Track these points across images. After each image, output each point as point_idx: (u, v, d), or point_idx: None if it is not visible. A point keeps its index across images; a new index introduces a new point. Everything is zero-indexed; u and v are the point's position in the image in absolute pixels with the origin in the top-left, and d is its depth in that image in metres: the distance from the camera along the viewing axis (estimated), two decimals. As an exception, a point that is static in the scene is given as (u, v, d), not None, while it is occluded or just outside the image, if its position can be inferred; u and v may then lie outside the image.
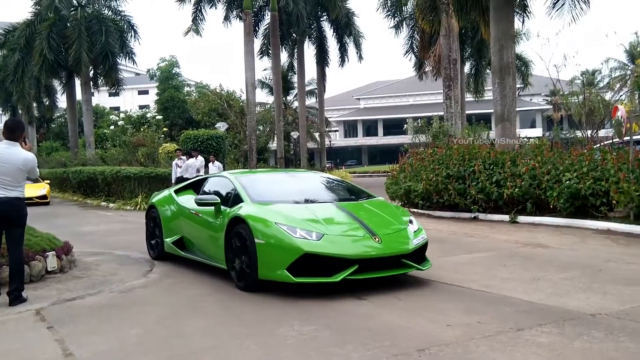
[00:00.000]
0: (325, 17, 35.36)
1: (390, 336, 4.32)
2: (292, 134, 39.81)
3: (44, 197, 20.87)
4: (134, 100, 79.44)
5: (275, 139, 31.93)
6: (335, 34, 35.34)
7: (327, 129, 51.25)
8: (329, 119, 60.96)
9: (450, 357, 3.84)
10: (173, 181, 16.58)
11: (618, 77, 56.21)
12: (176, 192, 8.19)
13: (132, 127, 32.52)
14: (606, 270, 6.49)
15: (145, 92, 79.13)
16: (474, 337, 4.22)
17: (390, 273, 5.84)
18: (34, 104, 42.76)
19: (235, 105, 36.04)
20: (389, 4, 28.06)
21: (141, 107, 68.86)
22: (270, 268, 5.68)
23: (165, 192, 8.54)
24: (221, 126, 26.07)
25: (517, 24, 19.92)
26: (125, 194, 19.62)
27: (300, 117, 35.39)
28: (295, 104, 40.15)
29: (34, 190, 19.95)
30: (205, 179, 8.09)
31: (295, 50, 35.47)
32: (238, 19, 29.48)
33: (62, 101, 42.32)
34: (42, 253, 7.04)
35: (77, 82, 33.00)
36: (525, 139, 32.62)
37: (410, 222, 6.45)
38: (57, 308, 5.66)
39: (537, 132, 59.53)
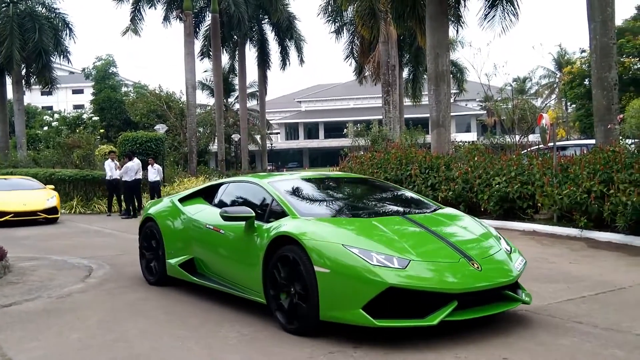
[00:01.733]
0: (266, 20, 35.46)
1: (336, 331, 4.52)
2: (233, 136, 39.65)
3: (54, 210, 14.68)
4: (68, 99, 76.82)
5: (216, 141, 31.76)
6: (276, 37, 35.51)
7: (269, 132, 51.30)
8: (271, 122, 60.99)
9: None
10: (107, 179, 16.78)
11: (547, 85, 59.02)
12: (181, 201, 6.65)
13: (67, 128, 31.54)
14: (529, 270, 6.93)
15: (80, 92, 76.68)
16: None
17: (496, 310, 4.51)
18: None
19: (175, 107, 35.57)
20: (329, 10, 28.45)
21: (76, 106, 66.74)
22: (338, 306, 4.28)
23: (166, 201, 6.92)
24: (160, 128, 25.71)
25: (453, 32, 20.67)
26: (60, 197, 19.06)
27: (241, 120, 35.34)
28: (237, 106, 40.04)
29: (37, 201, 14.57)
30: (221, 184, 6.53)
31: (237, 52, 35.43)
32: (178, 19, 29.13)
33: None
34: (-25, 259, 6.85)
35: (8, 81, 31.73)
36: (461, 143, 33.84)
37: (499, 238, 5.18)
38: (-7, 315, 5.56)
39: (472, 136, 61.55)
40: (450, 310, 4.19)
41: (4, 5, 29.67)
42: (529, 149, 13.91)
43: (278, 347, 4.29)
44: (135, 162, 16.47)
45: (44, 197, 14.85)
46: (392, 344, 4.22)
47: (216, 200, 6.24)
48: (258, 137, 41.61)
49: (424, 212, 5.51)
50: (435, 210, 5.66)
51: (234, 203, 5.99)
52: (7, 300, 6.06)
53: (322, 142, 71.37)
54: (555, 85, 56.09)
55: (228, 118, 40.16)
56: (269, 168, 42.73)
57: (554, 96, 54.78)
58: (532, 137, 27.92)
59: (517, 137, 18.53)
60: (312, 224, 4.82)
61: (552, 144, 10.93)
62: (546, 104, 45.07)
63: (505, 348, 4.10)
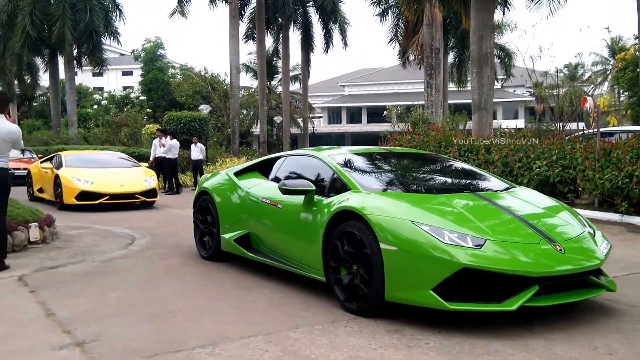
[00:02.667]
0: (311, 3, 35.43)
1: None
2: (275, 118, 39.92)
3: (153, 192, 12.76)
4: (117, 80, 78.69)
5: (259, 123, 32.08)
6: (320, 19, 35.46)
7: (311, 115, 51.43)
8: (313, 105, 61.09)
9: (407, 320, 4.15)
10: (151, 159, 16.75)
11: (599, 72, 57.08)
12: (237, 174, 6.42)
13: (116, 107, 32.40)
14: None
15: (130, 73, 78.39)
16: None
17: (580, 297, 4.20)
18: (15, 82, 42.34)
19: (219, 89, 36.05)
20: (375, -8, 28.21)
21: (125, 87, 68.26)
22: (406, 287, 4.04)
23: (222, 175, 6.69)
24: (204, 108, 26.14)
25: (499, 16, 20.25)
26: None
27: (283, 102, 35.53)
28: (280, 88, 40.22)
29: (135, 182, 12.62)
30: (277, 157, 6.30)
31: (281, 35, 35.53)
32: (224, 2, 29.42)
33: (44, 79, 41.93)
34: (25, 224, 7.24)
35: (61, 61, 32.75)
36: (507, 129, 33.18)
37: (581, 220, 4.80)
38: (40, 274, 5.89)
39: (520, 123, 60.19)
40: (531, 295, 3.87)
41: (56, -15, 30.57)
42: (573, 135, 13.61)
43: (304, 311, 4.44)
44: (174, 141, 16.85)
45: (142, 177, 12.86)
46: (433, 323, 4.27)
47: (273, 174, 6.01)
48: (300, 120, 41.76)
49: (498, 190, 5.16)
50: (508, 188, 5.31)
51: (291, 177, 5.70)
52: (53, 263, 6.40)
53: (364, 126, 71.01)
54: (608, 72, 54.24)
55: (271, 100, 40.45)
56: (310, 151, 42.84)
57: (607, 83, 53.01)
58: (582, 125, 27.23)
59: (562, 124, 18.09)
60: (376, 198, 4.54)
61: (595, 128, 10.68)
62: (596, 92, 43.64)
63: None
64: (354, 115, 75.03)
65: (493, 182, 5.49)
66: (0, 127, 5.90)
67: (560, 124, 18.30)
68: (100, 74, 37.51)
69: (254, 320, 4.24)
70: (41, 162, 14.02)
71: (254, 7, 31.75)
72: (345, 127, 73.68)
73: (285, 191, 5.08)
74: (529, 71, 17.55)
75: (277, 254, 5.46)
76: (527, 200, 4.98)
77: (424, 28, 22.99)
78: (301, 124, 41.43)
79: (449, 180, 5.63)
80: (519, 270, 3.90)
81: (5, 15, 30.22)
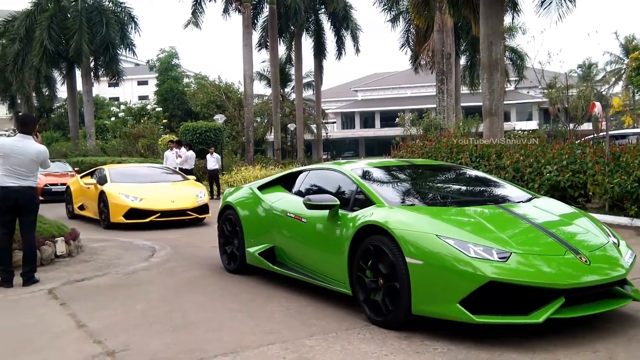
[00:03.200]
0: (323, 10, 35.80)
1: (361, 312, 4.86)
2: (289, 125, 40.31)
3: (205, 208, 11.80)
4: (133, 90, 79.71)
5: (273, 130, 32.45)
6: (332, 27, 35.79)
7: (324, 121, 51.73)
8: (327, 111, 61.38)
9: (416, 328, 4.39)
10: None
11: (613, 72, 56.68)
12: (260, 189, 6.51)
13: (133, 118, 32.97)
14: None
15: (145, 83, 79.40)
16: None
17: (606, 308, 4.22)
18: (34, 94, 43.18)
19: (234, 97, 36.55)
20: (384, -1, 28.48)
21: (141, 97, 69.29)
22: (432, 300, 4.09)
23: (246, 189, 6.79)
24: (219, 118, 26.57)
25: (509, 20, 20.37)
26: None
27: (297, 109, 35.89)
28: (293, 96, 40.62)
29: (186, 197, 11.68)
30: (300, 171, 6.35)
31: (293, 43, 35.92)
32: (237, 11, 29.86)
33: (61, 91, 42.76)
34: (52, 239, 7.58)
35: (78, 73, 33.39)
36: (520, 132, 33.14)
37: (604, 229, 4.82)
38: (68, 288, 6.20)
39: (533, 124, 59.92)
40: (557, 307, 3.91)
41: (72, 0, 31.22)
42: (583, 139, 13.72)
43: (319, 320, 4.68)
44: (190, 152, 17.19)
45: (194, 192, 11.90)
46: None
47: (296, 188, 6.09)
48: (314, 126, 42.11)
49: (520, 201, 5.19)
50: (531, 199, 5.31)
51: (314, 191, 5.78)
52: (80, 276, 6.72)
53: (378, 131, 71.15)
54: (622, 72, 53.87)
55: (284, 108, 40.87)
56: (324, 157, 43.19)
57: (621, 83, 52.62)
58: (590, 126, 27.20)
59: (574, 126, 18.15)
60: (401, 212, 4.62)
61: (604, 133, 10.82)
62: (611, 92, 43.40)
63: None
64: (367, 120, 75.22)
65: (515, 193, 5.50)
66: (29, 148, 6.23)
67: (572, 125, 18.33)
68: (116, 84, 38.14)
69: (272, 329, 4.49)
70: (82, 177, 13.22)
71: (266, 16, 32.19)
72: (358, 132, 73.89)
73: (310, 206, 5.15)
74: (537, 75, 17.63)
75: (302, 267, 5.53)
76: (550, 211, 5.00)
77: (434, 34, 23.20)
78: (315, 130, 41.77)
79: (472, 191, 5.67)
80: (545, 283, 3.94)
81: (24, 30, 30.95)
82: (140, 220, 10.94)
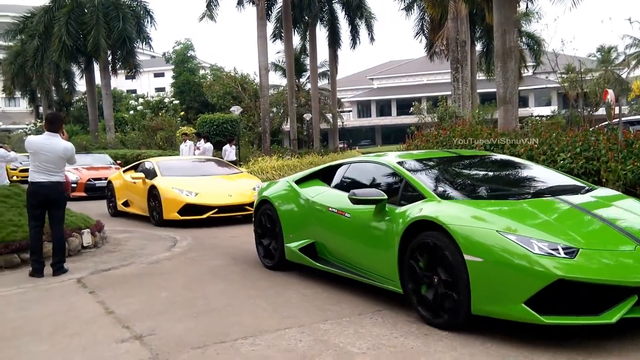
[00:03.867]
0: (336, 0, 35.79)
1: (379, 295, 5.10)
2: (305, 115, 40.51)
3: None
4: (150, 82, 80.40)
5: (289, 120, 32.69)
6: (347, 16, 35.82)
7: (340, 110, 51.80)
8: (343, 100, 61.40)
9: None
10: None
11: (634, 55, 55.91)
12: (298, 182, 6.34)
13: (151, 111, 33.45)
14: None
15: (162, 75, 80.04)
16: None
17: None
18: (53, 89, 43.90)
19: (250, 88, 36.81)
20: (399, -13, 28.42)
21: (157, 89, 69.93)
22: (495, 300, 3.89)
23: (282, 183, 6.63)
24: (235, 110, 26.85)
25: (524, 5, 20.28)
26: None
27: (312, 99, 36.06)
28: (308, 85, 40.77)
29: (243, 191, 10.83)
30: (340, 164, 6.14)
31: (308, 33, 36.02)
32: (251, 3, 30.05)
33: (80, 85, 43.39)
34: (78, 230, 7.92)
35: (96, 67, 33.91)
36: (537, 118, 32.96)
37: None
38: (95, 277, 6.52)
39: (552, 110, 59.38)
40: (631, 307, 3.67)
41: (90, -4, 31.68)
42: (598, 126, 13.75)
43: (333, 305, 4.93)
44: (208, 144, 17.49)
45: (250, 185, 11.11)
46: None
47: (336, 182, 5.92)
48: (330, 115, 42.26)
49: (578, 192, 4.88)
50: (589, 190, 5.02)
51: (357, 185, 5.58)
52: (106, 266, 7.04)
53: (394, 119, 71.07)
54: (643, 55, 53.10)
55: (300, 98, 41.05)
56: (340, 146, 43.34)
57: (641, 66, 51.89)
58: (615, 110, 26.97)
59: (589, 111, 18.11)
60: (455, 207, 4.38)
61: (617, 119, 10.87)
62: (629, 75, 42.83)
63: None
64: (383, 108, 75.14)
65: (571, 183, 5.26)
66: (56, 145, 6.54)
67: (584, 110, 18.28)
68: (133, 77, 38.59)
69: (289, 314, 4.75)
70: (124, 171, 12.51)
71: (280, 7, 32.32)
72: (375, 120, 73.87)
73: (355, 201, 4.94)
74: (551, 63, 17.61)
75: (347, 264, 5.33)
76: (612, 202, 4.72)
77: (448, 22, 23.17)
78: (330, 119, 41.93)
79: (526, 183, 5.33)
80: (617, 280, 3.69)
81: (42, 26, 31.50)
82: (196, 216, 10.16)
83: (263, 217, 6.59)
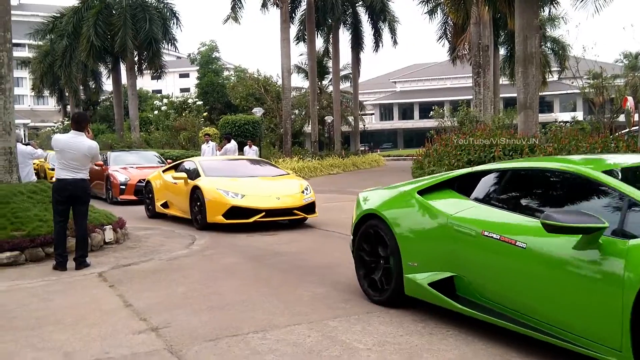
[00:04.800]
0: (360, 3, 35.97)
1: (388, 296, 5.23)
2: (326, 118, 40.71)
3: (311, 207, 10.22)
4: (175, 83, 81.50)
5: (310, 122, 32.91)
6: (370, 19, 35.94)
7: (362, 113, 51.91)
8: (365, 102, 61.50)
9: (432, 312, 4.73)
10: None
11: (662, 60, 54.97)
12: (421, 193, 4.88)
13: (175, 111, 33.96)
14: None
15: (186, 76, 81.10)
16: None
17: None
18: (81, 88, 44.82)
19: (272, 90, 37.14)
20: (422, -9, 28.48)
21: (182, 89, 70.84)
22: None
23: (397, 193, 5.19)
24: (257, 111, 27.16)
25: (547, 11, 20.18)
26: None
27: (334, 102, 36.24)
28: (330, 88, 40.96)
29: (292, 194, 10.10)
30: (487, 171, 4.67)
31: (331, 36, 36.21)
32: (275, 6, 30.35)
33: (107, 84, 44.24)
34: (101, 227, 8.18)
35: (122, 67, 34.53)
36: (561, 124, 32.59)
37: None
38: (116, 271, 6.76)
39: (578, 115, 58.71)
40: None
41: (117, -3, 32.30)
42: (618, 133, 13.67)
43: (343, 304, 5.08)
44: (232, 144, 17.77)
45: (299, 187, 10.35)
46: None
47: (484, 194, 4.50)
48: (351, 118, 42.41)
49: None
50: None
51: (525, 201, 4.32)
52: (127, 261, 7.29)
53: (417, 122, 70.89)
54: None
55: (322, 100, 41.26)
56: (361, 149, 43.44)
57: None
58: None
59: (612, 117, 17.95)
60: None
61: (637, 126, 10.84)
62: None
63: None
64: (405, 111, 75.00)
65: None
66: (82, 144, 6.80)
67: (609, 116, 18.12)
68: (159, 77, 39.20)
69: (299, 312, 4.91)
70: (164, 171, 11.99)
71: (304, 10, 32.57)
72: (397, 123, 73.78)
73: (553, 228, 3.41)
74: (572, 69, 17.50)
75: (515, 312, 3.89)
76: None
77: (471, 27, 23.16)
78: (352, 122, 42.06)
79: None
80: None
81: (71, 26, 32.17)
82: (242, 220, 9.50)
83: (368, 238, 5.19)
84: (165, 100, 40.18)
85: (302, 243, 8.52)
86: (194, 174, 10.63)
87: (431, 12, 30.48)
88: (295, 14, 33.63)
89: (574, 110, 66.53)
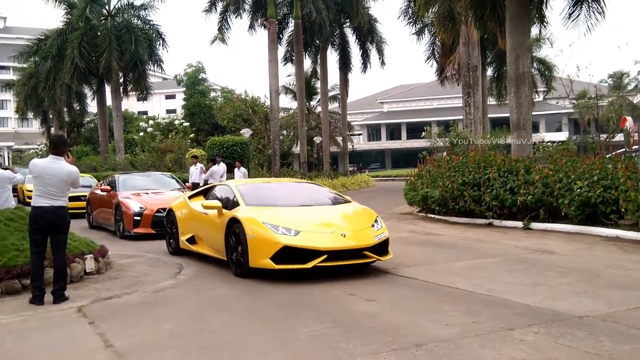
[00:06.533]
0: (347, 24, 35.94)
1: (393, 333, 4.83)
2: (315, 138, 40.43)
3: (384, 246, 7.69)
4: (161, 104, 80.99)
5: (299, 143, 32.60)
6: (357, 40, 35.89)
7: (350, 133, 51.78)
8: (353, 123, 61.38)
9: (443, 352, 4.35)
10: (189, 184, 16.49)
11: (647, 81, 55.52)
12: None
13: (161, 133, 33.55)
14: (604, 276, 6.90)
15: (173, 97, 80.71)
16: (467, 335, 4.70)
17: None
18: (65, 110, 44.21)
19: (260, 111, 36.86)
20: (409, 12, 28.49)
21: (168, 111, 70.36)
22: None
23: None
24: (245, 132, 26.82)
25: (536, 31, 20.19)
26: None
27: (323, 122, 36.00)
28: (319, 109, 40.78)
29: (360, 228, 7.67)
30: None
31: (319, 56, 36.10)
32: (263, 27, 30.22)
33: (92, 106, 43.66)
34: (81, 256, 7.70)
35: (107, 89, 34.11)
36: (549, 144, 32.63)
37: None
38: (97, 305, 6.28)
39: (564, 135, 59.10)
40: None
41: (102, 18, 31.96)
42: (614, 153, 13.46)
43: (344, 343, 4.64)
44: (221, 166, 17.32)
45: (367, 220, 7.90)
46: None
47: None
48: (340, 139, 42.18)
49: None
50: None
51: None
52: (109, 294, 6.80)
53: (404, 142, 70.91)
54: (657, 81, 52.77)
55: (310, 121, 41.03)
56: (350, 169, 43.16)
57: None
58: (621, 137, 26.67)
59: (607, 137, 17.83)
60: None
61: (637, 147, 10.60)
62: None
63: (558, 350, 4.24)
64: (393, 132, 75.05)
65: None
66: (60, 169, 6.36)
67: (603, 137, 17.99)
68: (145, 99, 38.85)
69: (297, 352, 4.48)
70: (190, 197, 9.78)
71: (292, 31, 32.47)
72: (385, 143, 73.75)
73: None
74: (566, 89, 17.40)
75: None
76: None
77: (460, 47, 23.11)
78: (340, 142, 41.82)
79: None
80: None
81: (55, 49, 31.79)
82: (297, 265, 7.05)
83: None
84: (151, 122, 39.72)
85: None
86: (230, 202, 8.38)
87: (419, 33, 30.47)
88: (283, 35, 33.50)
89: (560, 130, 67.05)
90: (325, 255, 7.09)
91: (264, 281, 7.05)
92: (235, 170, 18.37)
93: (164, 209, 10.94)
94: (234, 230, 7.68)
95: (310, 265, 7.03)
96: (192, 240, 9.24)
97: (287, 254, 7.08)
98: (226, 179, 17.03)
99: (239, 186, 8.82)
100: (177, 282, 7.45)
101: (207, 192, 9.62)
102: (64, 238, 6.52)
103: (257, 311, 5.86)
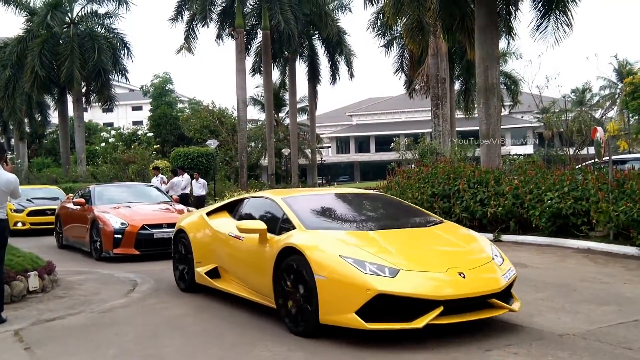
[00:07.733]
0: (317, 36, 35.74)
1: None
2: (283, 150, 40.01)
3: (508, 290, 5.19)
4: (127, 116, 79.50)
5: (267, 155, 32.13)
6: (326, 52, 35.70)
7: (319, 146, 51.54)
8: (322, 135, 61.25)
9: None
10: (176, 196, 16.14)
11: (607, 96, 56.86)
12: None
13: (123, 144, 32.67)
14: (580, 290, 6.61)
15: (139, 108, 79.29)
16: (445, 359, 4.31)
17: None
18: (26, 120, 42.78)
19: (227, 122, 36.28)
20: (378, 24, 28.44)
21: (135, 122, 69.10)
22: None
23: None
24: (212, 143, 26.22)
25: (503, 44, 20.26)
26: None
27: (291, 134, 35.62)
28: (287, 120, 40.40)
29: (480, 266, 5.12)
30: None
31: (287, 68, 35.79)
32: (230, 37, 29.77)
33: (54, 117, 42.40)
34: (24, 273, 7.09)
35: (70, 99, 33.11)
36: (516, 157, 32.88)
37: None
38: (37, 328, 5.71)
39: (529, 149, 60.01)
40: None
41: (65, 26, 31.06)
42: (584, 164, 13.38)
43: (308, 369, 4.21)
44: (184, 178, 16.76)
45: (482, 250, 5.49)
46: None
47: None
48: (308, 151, 41.83)
49: None
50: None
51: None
52: (52, 315, 6.21)
53: (373, 155, 71.06)
54: (616, 97, 54.08)
55: (279, 133, 40.60)
56: (319, 182, 42.84)
57: (615, 107, 52.78)
58: (592, 150, 26.94)
59: (572, 151, 17.88)
60: None
61: (607, 158, 10.46)
62: (605, 117, 43.44)
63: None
64: (362, 145, 75.15)
65: None
66: (-3, 178, 5.79)
67: (569, 149, 18.06)
68: (110, 110, 37.95)
69: (255, 381, 4.02)
70: (209, 214, 7.21)
71: (260, 42, 32.09)
72: (353, 156, 73.77)
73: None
74: (536, 100, 17.42)
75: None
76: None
77: (429, 58, 23.04)
78: (309, 154, 41.48)
79: None
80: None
81: (15, 56, 30.68)
82: (401, 324, 4.68)
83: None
84: (113, 132, 38.72)
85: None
86: (277, 224, 5.93)
87: (388, 45, 30.43)
88: (251, 46, 33.09)
89: (525, 143, 68.11)
90: (442, 308, 4.72)
91: (223, 298, 6.55)
92: (194, 182, 17.82)
93: (150, 226, 9.98)
94: (290, 266, 5.26)
95: (421, 324, 4.64)
96: (215, 274, 6.77)
97: (381, 304, 4.69)
98: (189, 192, 16.55)
99: (287, 199, 6.24)
100: (128, 300, 6.89)
101: (233, 207, 7.08)
102: (2, 253, 5.93)
103: (215, 333, 5.37)
